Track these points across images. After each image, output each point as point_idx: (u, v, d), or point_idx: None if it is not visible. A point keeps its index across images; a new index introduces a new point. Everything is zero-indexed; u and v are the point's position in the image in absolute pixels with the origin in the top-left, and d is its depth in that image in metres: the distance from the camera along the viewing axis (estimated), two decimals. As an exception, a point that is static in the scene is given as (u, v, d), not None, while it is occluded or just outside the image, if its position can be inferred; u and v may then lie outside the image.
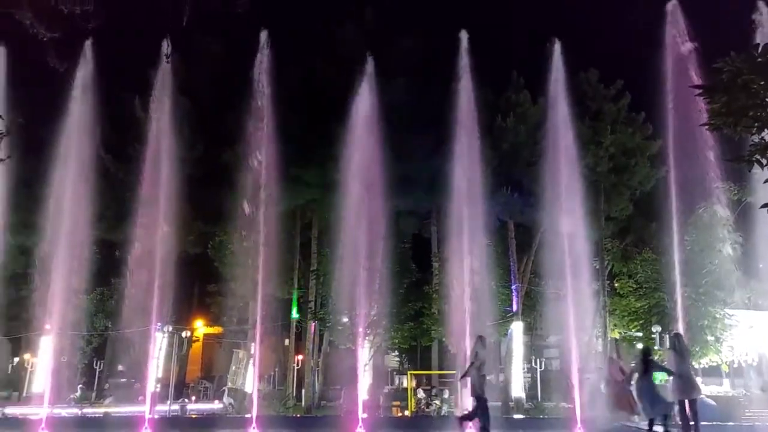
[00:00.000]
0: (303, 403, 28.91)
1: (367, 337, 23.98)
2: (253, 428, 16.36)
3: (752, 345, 25.13)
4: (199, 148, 29.13)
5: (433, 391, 27.53)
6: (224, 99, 27.63)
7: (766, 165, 7.16)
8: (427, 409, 25.95)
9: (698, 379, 15.60)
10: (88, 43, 18.88)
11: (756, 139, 7.31)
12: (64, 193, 18.69)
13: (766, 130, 7.21)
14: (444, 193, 21.87)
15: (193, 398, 29.24)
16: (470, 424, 13.97)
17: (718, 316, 24.07)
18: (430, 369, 32.05)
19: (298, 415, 25.48)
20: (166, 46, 17.90)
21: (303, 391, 29.76)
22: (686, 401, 13.18)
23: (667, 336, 21.09)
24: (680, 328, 18.84)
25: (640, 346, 30.23)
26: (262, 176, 19.72)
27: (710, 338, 23.93)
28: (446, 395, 26.30)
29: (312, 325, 30.46)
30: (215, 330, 37.38)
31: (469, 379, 13.72)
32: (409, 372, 29.90)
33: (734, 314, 24.32)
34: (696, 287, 23.21)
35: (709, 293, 23.77)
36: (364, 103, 20.70)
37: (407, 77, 29.86)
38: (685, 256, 21.67)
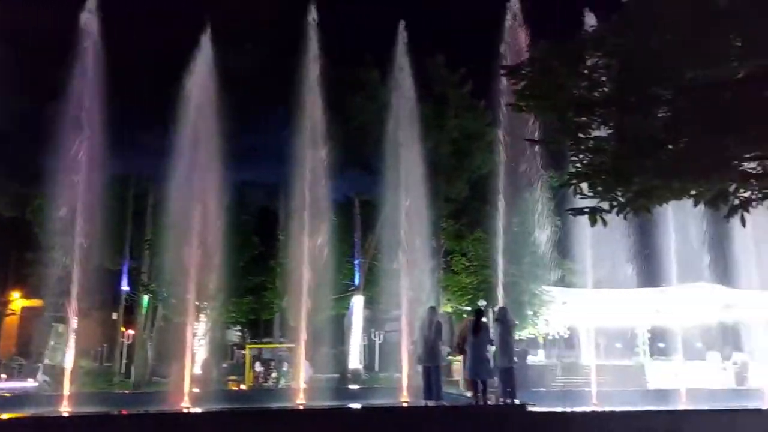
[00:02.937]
0: (132, 379, 27.58)
1: (203, 311, 23.25)
2: (64, 406, 15.29)
3: (564, 319, 27.60)
4: (17, 103, 26.34)
5: (272, 364, 27.27)
6: (50, 49, 25.14)
7: (579, 193, 7.56)
8: (265, 383, 25.72)
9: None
10: None
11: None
12: None
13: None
14: (290, 166, 21.55)
15: (4, 376, 26.82)
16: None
17: (536, 292, 26.14)
18: (271, 343, 31.79)
19: (125, 392, 24.30)
20: None
21: (132, 367, 28.41)
22: (506, 368, 14.36)
23: (491, 309, 22.52)
24: (502, 303, 20.06)
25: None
26: (88, 135, 18.07)
27: (530, 312, 25.89)
28: (285, 368, 26.19)
29: (144, 298, 29.06)
30: (35, 303, 34.42)
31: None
32: (247, 345, 29.49)
33: (550, 291, 26.54)
34: (519, 266, 24.89)
35: (529, 272, 25.64)
36: (206, 69, 19.76)
37: (258, 45, 28.98)
38: (511, 237, 23.09)
